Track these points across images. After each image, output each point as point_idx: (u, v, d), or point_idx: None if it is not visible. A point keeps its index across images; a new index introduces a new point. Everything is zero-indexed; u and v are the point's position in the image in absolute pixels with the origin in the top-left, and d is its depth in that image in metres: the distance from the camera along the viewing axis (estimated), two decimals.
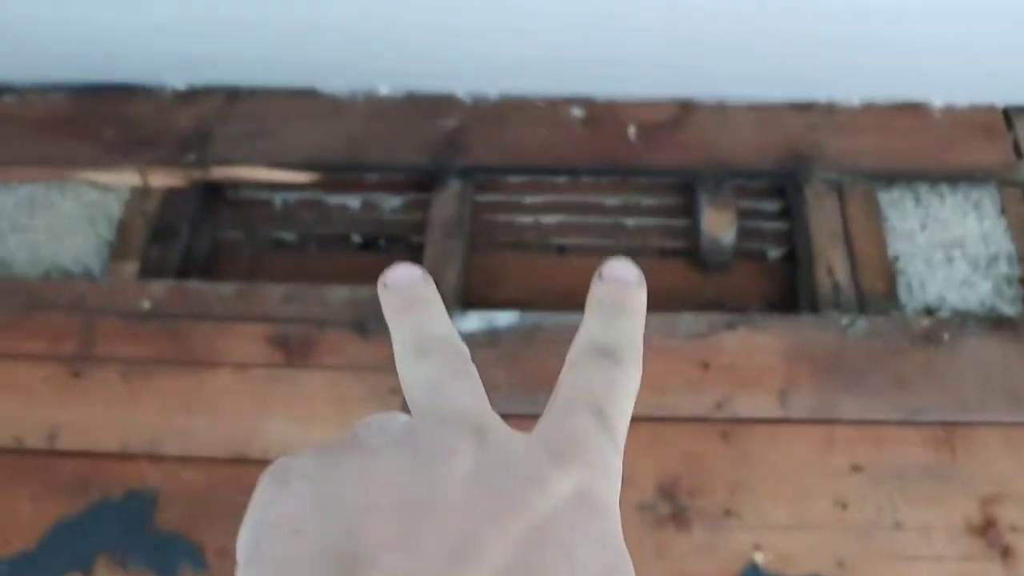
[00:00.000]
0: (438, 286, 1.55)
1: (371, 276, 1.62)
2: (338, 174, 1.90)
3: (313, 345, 1.62)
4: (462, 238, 1.79)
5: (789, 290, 1.83)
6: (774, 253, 1.89)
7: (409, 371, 0.35)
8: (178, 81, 2.02)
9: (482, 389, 0.34)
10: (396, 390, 1.55)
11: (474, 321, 1.63)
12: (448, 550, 0.26)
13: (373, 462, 0.29)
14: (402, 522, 0.27)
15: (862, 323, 1.61)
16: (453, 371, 0.34)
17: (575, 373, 0.34)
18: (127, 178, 1.89)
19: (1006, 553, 1.41)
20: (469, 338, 1.56)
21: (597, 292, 0.37)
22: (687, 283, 1.84)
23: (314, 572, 0.26)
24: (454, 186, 1.85)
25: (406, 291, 0.36)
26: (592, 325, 0.36)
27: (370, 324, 1.63)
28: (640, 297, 0.36)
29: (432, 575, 0.26)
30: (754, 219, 1.92)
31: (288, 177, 1.89)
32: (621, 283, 0.36)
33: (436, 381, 0.34)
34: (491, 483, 0.29)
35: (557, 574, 0.27)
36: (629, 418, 0.34)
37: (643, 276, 0.37)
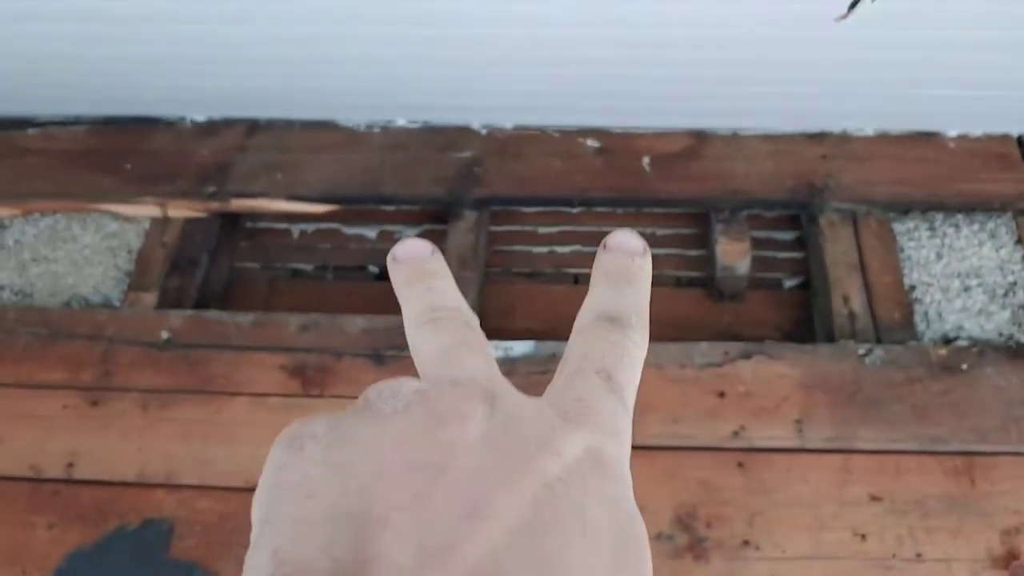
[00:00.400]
0: None
1: (387, 306, 1.62)
2: (355, 205, 1.91)
3: (330, 374, 1.63)
4: (477, 268, 1.81)
5: (804, 319, 1.83)
6: (789, 283, 1.89)
7: (419, 339, 0.35)
8: (198, 114, 2.06)
9: (491, 355, 0.35)
10: None
11: (491, 350, 1.63)
12: (461, 510, 0.27)
13: (385, 426, 0.30)
14: (414, 483, 0.27)
15: (879, 352, 1.61)
16: (463, 339, 0.35)
17: (583, 339, 0.34)
18: (147, 210, 1.92)
19: None
20: None
21: (603, 261, 0.36)
22: (702, 312, 1.84)
23: (328, 533, 0.26)
24: (469, 217, 1.87)
25: (415, 264, 0.37)
26: (598, 293, 0.36)
27: (387, 353, 1.64)
28: (646, 266, 0.36)
29: (445, 533, 0.26)
30: (769, 249, 1.92)
31: (306, 208, 1.91)
32: (627, 252, 0.36)
33: (447, 348, 0.34)
34: (502, 445, 0.29)
35: (569, 533, 0.27)
36: (637, 383, 0.34)
37: (647, 246, 0.37)
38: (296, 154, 1.98)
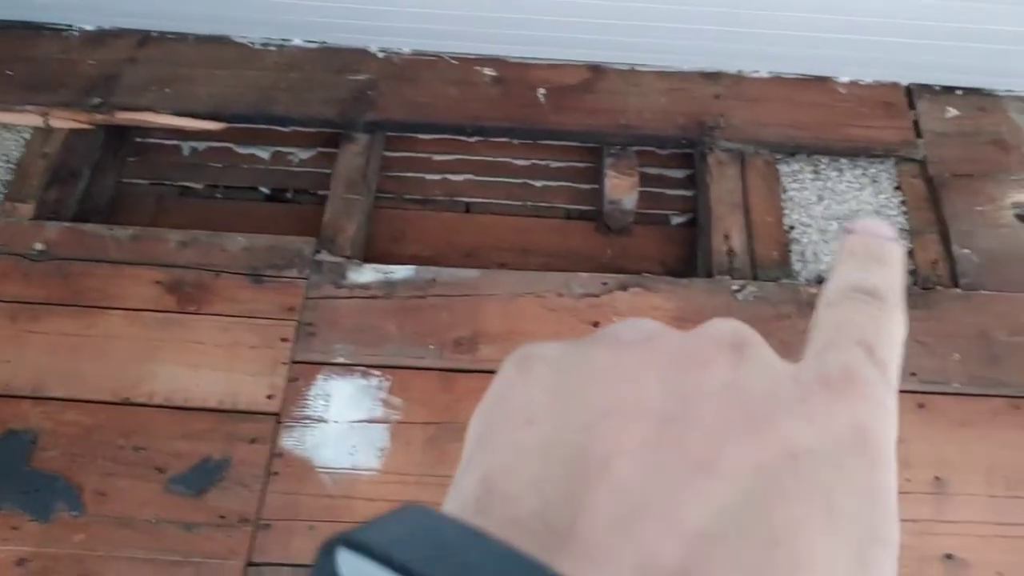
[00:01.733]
0: (337, 239, 1.56)
1: (275, 226, 1.61)
2: (245, 124, 1.88)
3: (207, 291, 1.61)
4: (366, 192, 1.79)
5: (690, 256, 1.86)
6: (677, 220, 1.92)
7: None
8: (87, 23, 1.99)
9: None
10: (288, 338, 1.55)
11: (370, 274, 1.63)
12: (690, 464, 0.24)
13: (621, 355, 0.27)
14: (643, 428, 0.25)
15: (751, 288, 1.65)
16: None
17: (837, 311, 0.30)
18: (28, 119, 1.86)
19: None
20: (365, 290, 1.57)
21: (850, 243, 0.33)
22: (589, 245, 1.86)
23: (543, 467, 0.24)
24: (361, 140, 1.85)
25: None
26: (847, 270, 0.32)
27: (265, 273, 1.63)
28: (898, 252, 0.33)
29: (668, 488, 0.23)
30: (660, 186, 1.94)
31: (194, 124, 1.87)
32: (876, 235, 0.33)
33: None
34: (750, 400, 0.26)
35: (811, 512, 0.23)
36: (899, 367, 0.29)
37: (898, 234, 0.33)
38: (187, 68, 1.93)
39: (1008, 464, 1.49)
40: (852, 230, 0.33)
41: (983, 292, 1.68)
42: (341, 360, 1.55)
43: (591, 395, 0.26)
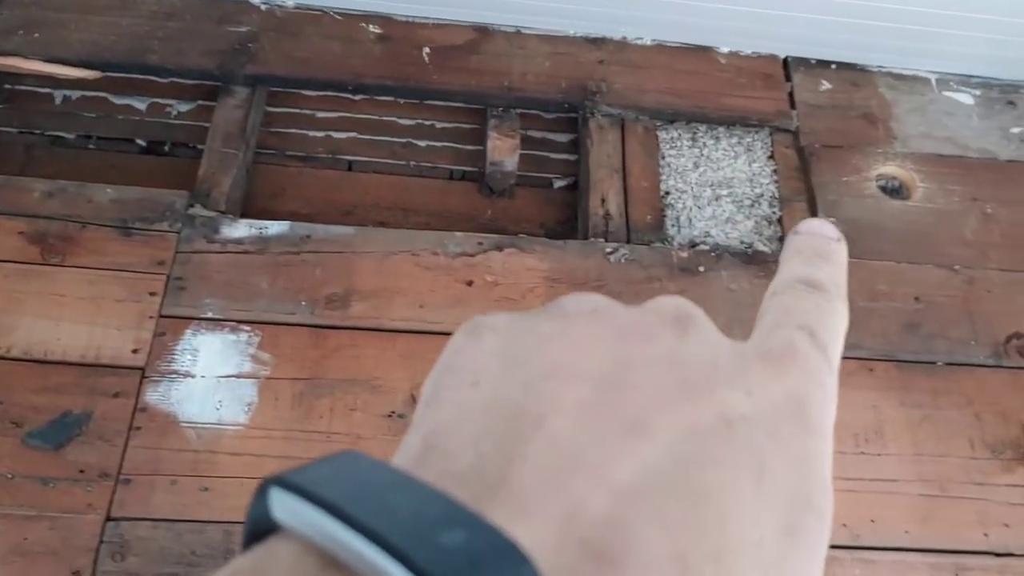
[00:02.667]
0: (212, 193, 1.54)
1: (150, 180, 1.57)
2: (118, 73, 1.83)
3: (72, 243, 1.57)
4: (244, 147, 1.76)
5: (570, 219, 1.89)
6: (559, 183, 1.95)
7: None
8: None
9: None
10: (156, 292, 1.53)
11: (244, 229, 1.62)
12: (622, 425, 0.24)
13: (566, 325, 0.28)
14: (580, 390, 0.26)
15: (624, 251, 1.68)
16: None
17: (780, 299, 0.32)
18: None
19: None
20: (238, 244, 1.55)
21: (796, 242, 0.34)
22: (471, 206, 1.87)
23: (483, 425, 0.25)
24: (240, 93, 1.82)
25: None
26: (793, 266, 0.33)
27: (134, 226, 1.59)
28: (842, 251, 0.34)
29: (600, 446, 0.24)
30: (544, 149, 1.96)
31: (66, 72, 1.80)
32: (821, 236, 0.34)
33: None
34: (689, 370, 0.27)
35: (740, 475, 0.24)
36: (840, 354, 0.31)
37: (843, 236, 0.35)
38: (59, 13, 1.86)
39: (858, 423, 1.57)
40: (798, 231, 0.35)
41: None
42: (210, 315, 1.53)
43: (534, 360, 0.27)
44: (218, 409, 1.45)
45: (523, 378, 0.26)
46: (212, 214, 1.63)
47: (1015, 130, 1.99)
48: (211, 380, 1.47)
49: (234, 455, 1.41)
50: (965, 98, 2.03)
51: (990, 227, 1.84)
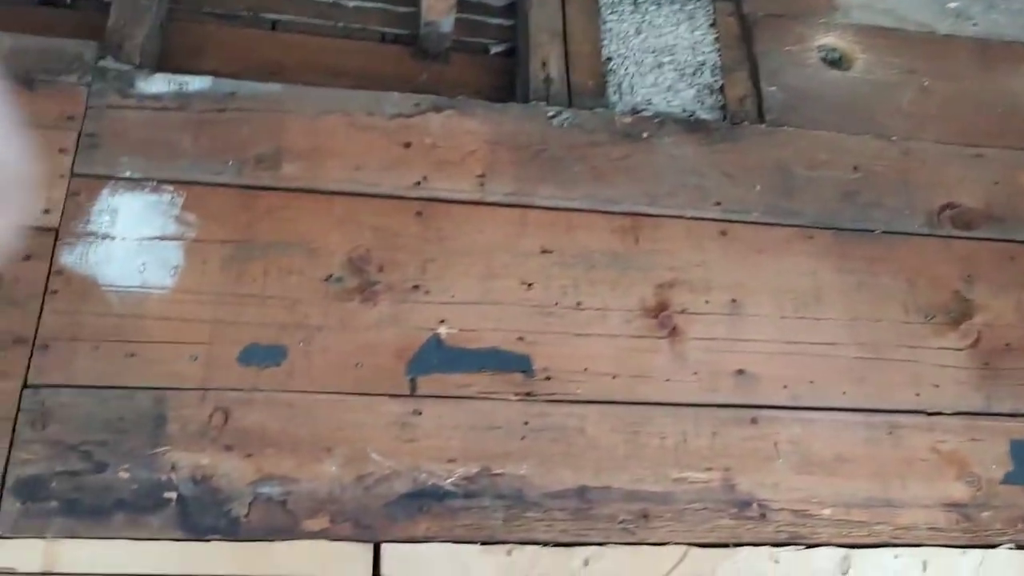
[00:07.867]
0: (124, 45, 1.40)
1: (50, 31, 1.41)
2: None
3: None
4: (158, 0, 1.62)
5: (507, 85, 1.81)
6: (496, 48, 1.86)
7: None
8: None
9: None
10: (67, 148, 1.41)
11: (161, 84, 1.49)
12: None
13: None
14: None
15: (567, 115, 1.62)
16: None
17: None
18: None
19: (673, 332, 1.50)
20: (156, 100, 1.44)
21: None
22: (404, 70, 1.78)
23: None
24: None
25: None
26: None
27: (39, 77, 1.46)
28: None
29: None
30: (480, 14, 1.87)
31: None
32: None
33: None
34: None
35: None
36: None
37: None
38: None
39: (797, 288, 1.57)
40: None
41: (786, 128, 1.73)
42: (129, 174, 1.42)
43: None
44: (141, 272, 1.35)
45: None
46: (126, 67, 1.50)
47: (952, 5, 1.98)
48: (132, 242, 1.37)
49: (162, 319, 1.33)
50: None
51: (927, 100, 1.84)
